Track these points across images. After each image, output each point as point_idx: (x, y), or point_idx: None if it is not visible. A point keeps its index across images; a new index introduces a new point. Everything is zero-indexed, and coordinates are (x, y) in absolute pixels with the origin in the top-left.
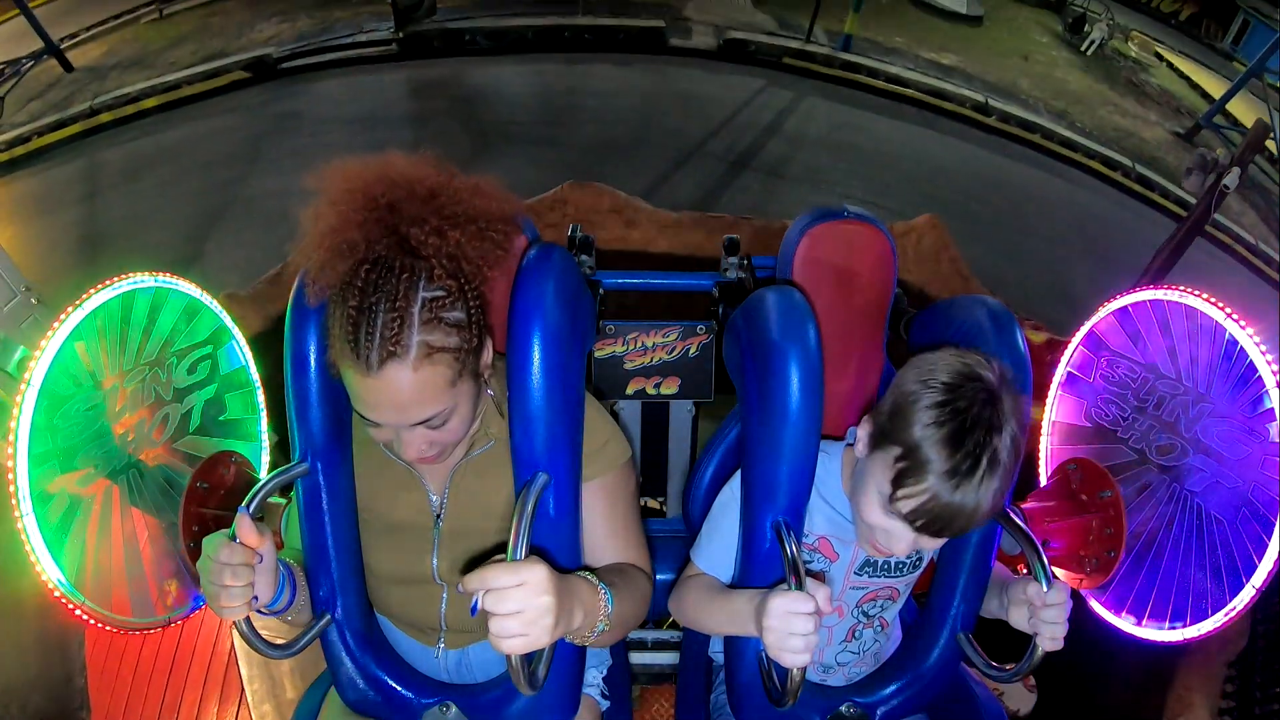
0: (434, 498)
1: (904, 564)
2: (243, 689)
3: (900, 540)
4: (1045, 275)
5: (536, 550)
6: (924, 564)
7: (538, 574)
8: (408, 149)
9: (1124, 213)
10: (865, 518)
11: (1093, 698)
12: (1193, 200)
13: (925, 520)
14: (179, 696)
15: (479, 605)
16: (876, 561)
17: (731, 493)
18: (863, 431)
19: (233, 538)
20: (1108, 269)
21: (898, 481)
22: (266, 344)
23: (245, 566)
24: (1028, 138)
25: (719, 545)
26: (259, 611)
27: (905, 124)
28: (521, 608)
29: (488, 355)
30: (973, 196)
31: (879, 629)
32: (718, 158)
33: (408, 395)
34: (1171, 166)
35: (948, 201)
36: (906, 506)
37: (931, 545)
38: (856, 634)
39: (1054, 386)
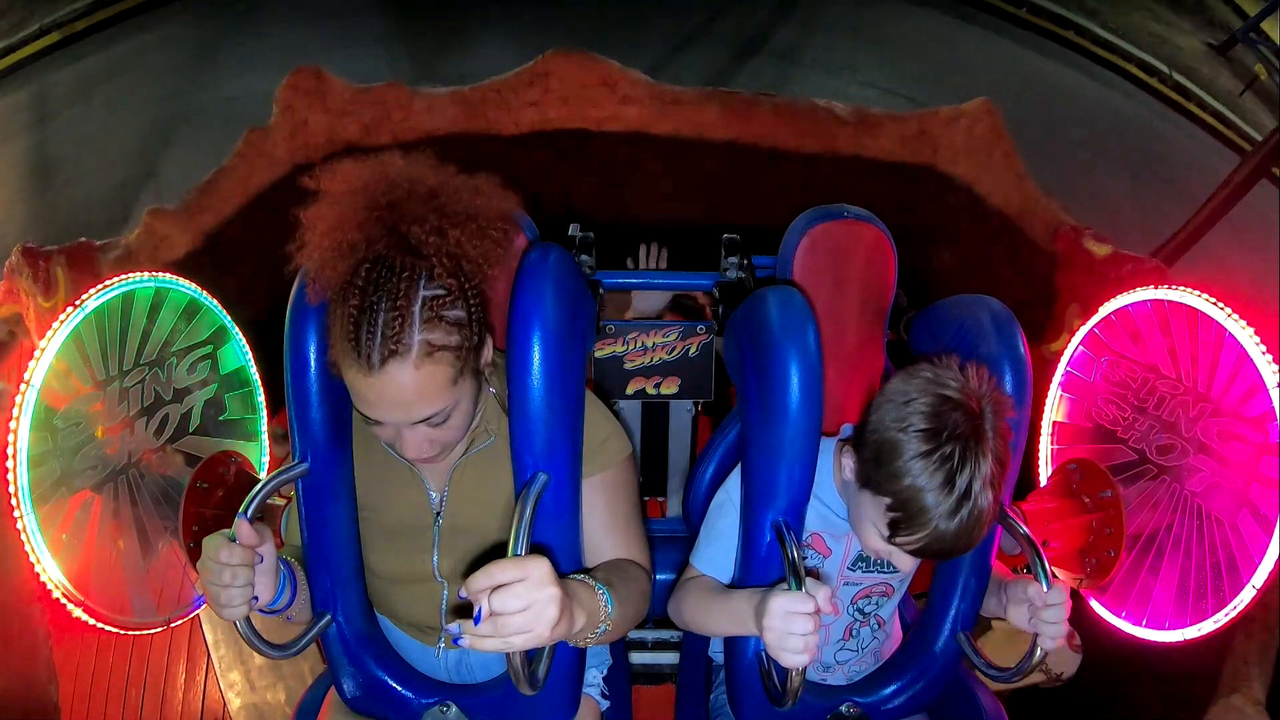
0: (434, 495)
1: None
2: (209, 654)
3: (904, 561)
4: (1082, 182)
5: (537, 548)
6: (919, 560)
7: (540, 569)
8: (378, 40)
9: (1162, 122)
10: (866, 544)
11: (1141, 668)
12: (1235, 118)
13: (930, 553)
14: (145, 662)
15: (482, 611)
16: (869, 557)
17: (726, 494)
18: (848, 460)
19: (233, 539)
20: (1147, 182)
21: (894, 528)
22: (197, 266)
23: (245, 567)
24: (1061, 34)
25: (717, 547)
26: (260, 611)
27: (930, 11)
28: (526, 603)
29: (488, 353)
30: (1004, 92)
31: (876, 627)
32: (724, 41)
33: (409, 394)
34: (1207, 78)
35: (978, 96)
36: (909, 547)
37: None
38: (854, 632)
39: (1054, 386)
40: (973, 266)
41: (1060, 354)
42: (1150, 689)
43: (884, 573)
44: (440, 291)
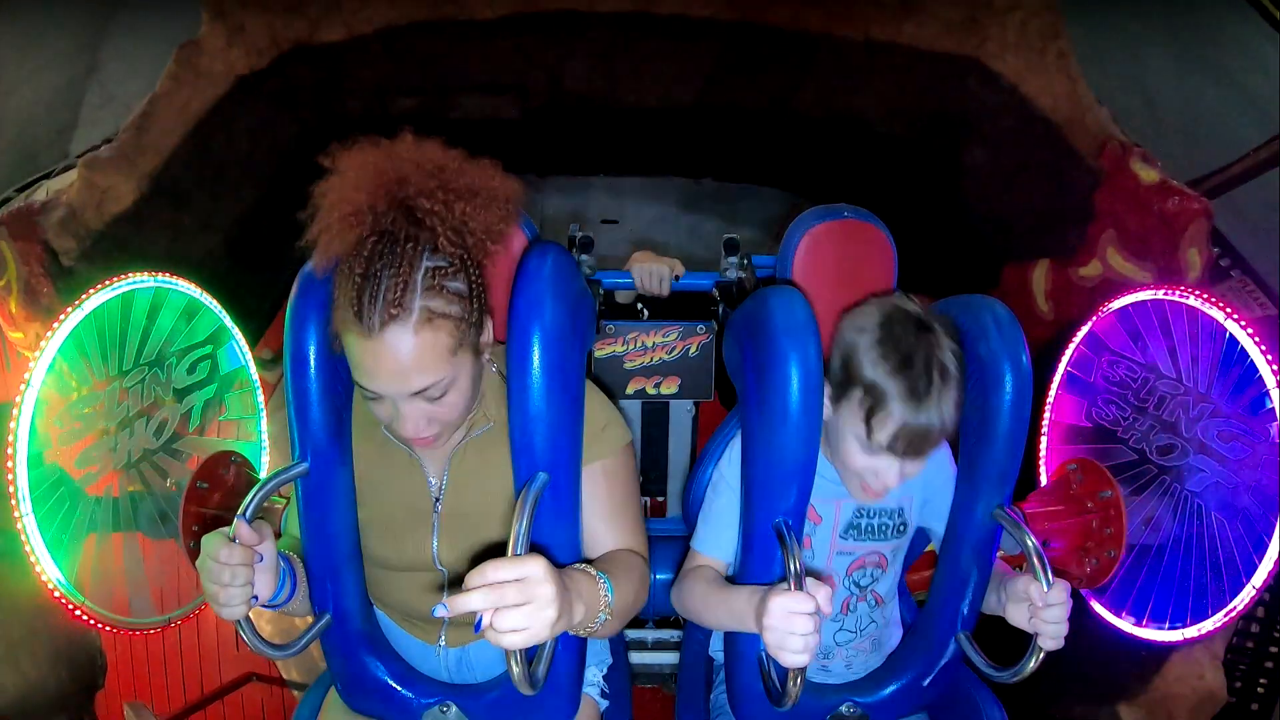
0: (433, 481)
1: (888, 525)
2: None
3: (889, 472)
4: (1126, 70)
5: (536, 548)
6: (909, 531)
7: (538, 567)
8: None
9: (1216, 2)
10: (851, 465)
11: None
12: None
13: (903, 443)
14: (176, 596)
15: (451, 606)
16: (860, 523)
17: (720, 474)
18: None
19: (232, 538)
20: (1189, 62)
21: (868, 419)
22: (149, 212)
23: (245, 566)
24: None
25: (715, 527)
26: (261, 606)
27: None
28: (523, 600)
29: (488, 334)
30: None
31: (873, 604)
32: None
33: (408, 360)
34: None
35: None
36: (883, 436)
37: (917, 469)
38: (851, 607)
39: (1054, 387)
40: (1006, 171)
41: (1090, 279)
42: (1113, 631)
43: (875, 540)
44: (443, 263)
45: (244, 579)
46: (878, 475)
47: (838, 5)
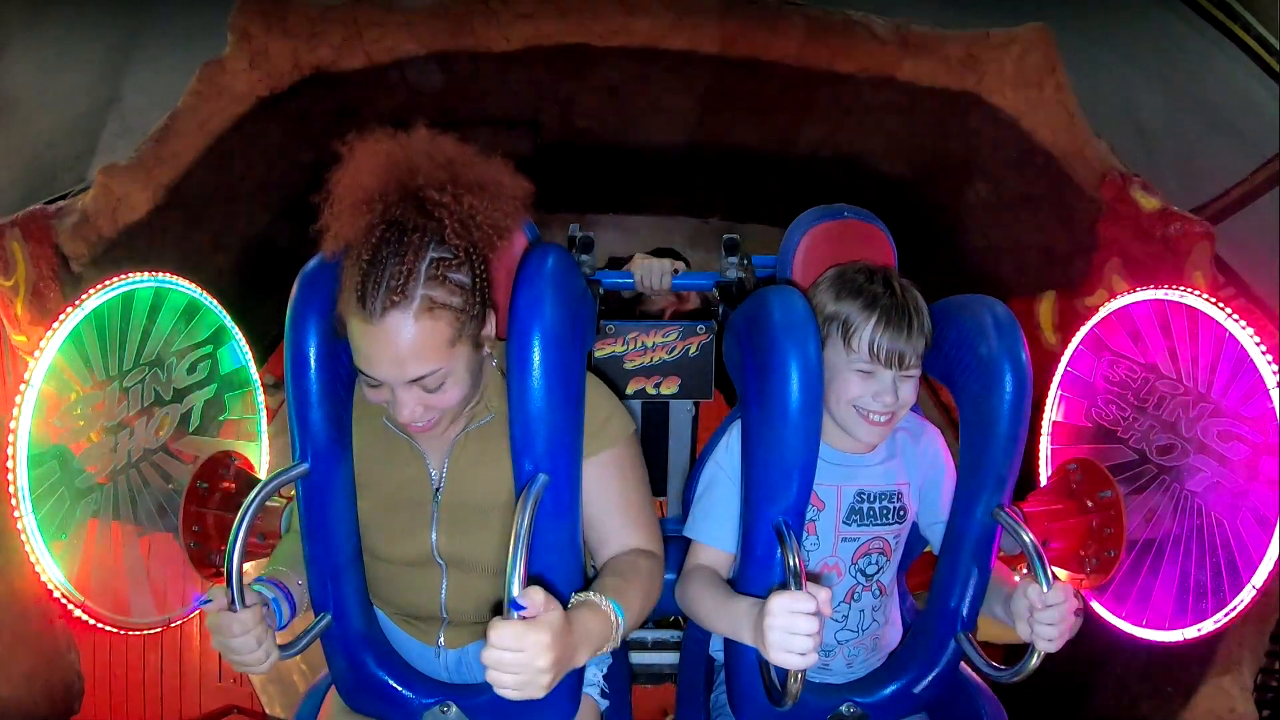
0: (433, 472)
1: (889, 510)
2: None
3: (883, 387)
4: (1114, 102)
5: (536, 580)
6: (908, 519)
7: (538, 639)
8: None
9: (1204, 42)
10: (849, 398)
11: (1132, 644)
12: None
13: (883, 348)
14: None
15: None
16: (862, 508)
17: (718, 466)
18: None
19: (231, 603)
20: (1180, 101)
21: (846, 339)
22: (162, 225)
23: (257, 625)
24: None
25: (718, 516)
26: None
27: None
28: (519, 669)
29: (490, 327)
30: None
31: (877, 594)
32: None
33: (407, 347)
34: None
35: None
36: (862, 346)
37: (909, 389)
38: (855, 596)
39: (1054, 386)
40: (1008, 205)
41: (1094, 310)
42: (1140, 665)
43: (877, 525)
44: (448, 254)
45: (259, 636)
46: (876, 395)
47: (838, 42)
